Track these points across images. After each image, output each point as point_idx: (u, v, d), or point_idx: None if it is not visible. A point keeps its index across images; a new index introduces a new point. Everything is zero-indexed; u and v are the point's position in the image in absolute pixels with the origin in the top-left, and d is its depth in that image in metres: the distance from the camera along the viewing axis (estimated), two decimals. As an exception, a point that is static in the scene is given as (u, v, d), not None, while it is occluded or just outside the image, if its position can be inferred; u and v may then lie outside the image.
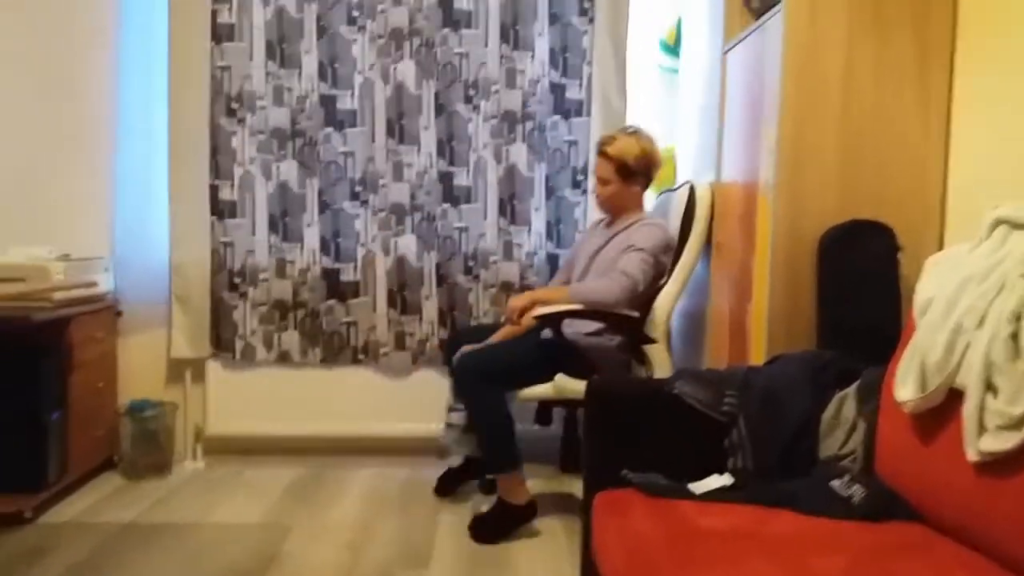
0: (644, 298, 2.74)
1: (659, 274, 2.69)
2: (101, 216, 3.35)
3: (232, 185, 3.38)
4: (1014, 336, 1.27)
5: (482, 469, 2.94)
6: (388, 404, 3.43)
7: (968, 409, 1.32)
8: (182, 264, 3.37)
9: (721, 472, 1.74)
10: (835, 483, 1.56)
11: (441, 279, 3.42)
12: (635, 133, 2.77)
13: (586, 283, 2.63)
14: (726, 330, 2.49)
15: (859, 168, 2.06)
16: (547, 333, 2.72)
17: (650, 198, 3.32)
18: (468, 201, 3.41)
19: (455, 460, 2.98)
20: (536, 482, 3.03)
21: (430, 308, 3.42)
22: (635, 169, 2.74)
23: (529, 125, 3.37)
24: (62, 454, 2.82)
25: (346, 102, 3.38)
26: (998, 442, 1.25)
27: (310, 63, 3.37)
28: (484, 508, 2.72)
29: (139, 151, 3.42)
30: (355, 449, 3.50)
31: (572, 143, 3.39)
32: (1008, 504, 1.25)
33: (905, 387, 1.49)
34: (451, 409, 2.85)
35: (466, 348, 2.76)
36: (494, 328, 2.95)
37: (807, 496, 1.55)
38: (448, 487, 3.04)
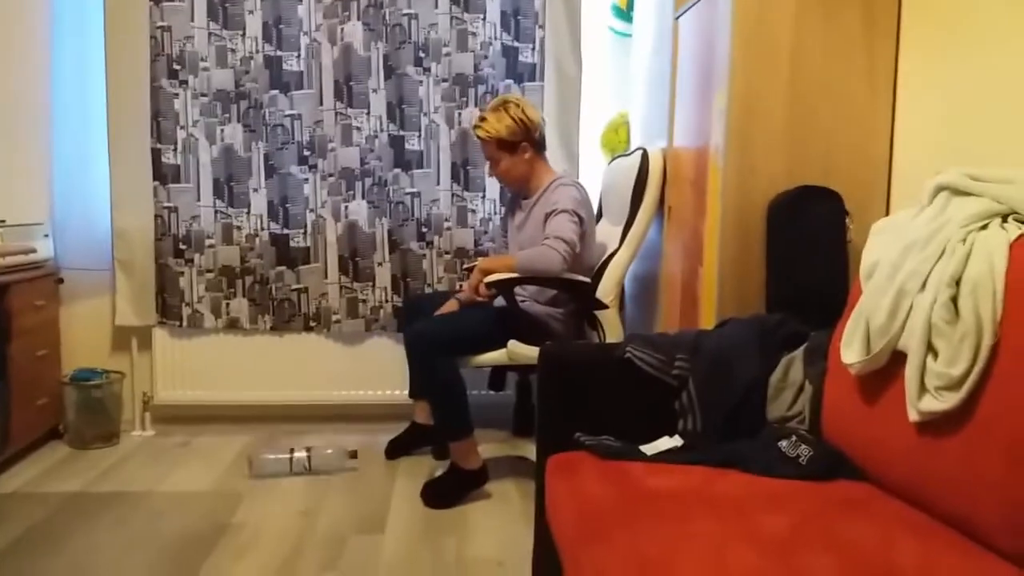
0: (589, 263, 2.75)
1: (583, 232, 2.70)
2: (39, 181, 3.21)
3: (175, 149, 3.28)
4: (953, 300, 1.29)
5: (435, 436, 2.95)
6: (341, 371, 3.40)
7: (909, 370, 1.34)
8: (125, 230, 3.29)
9: (672, 434, 1.76)
10: (783, 444, 1.58)
11: (394, 245, 3.38)
12: (502, 105, 2.77)
13: (528, 252, 2.64)
14: (678, 294, 2.52)
15: (807, 135, 2.07)
16: (499, 301, 2.72)
17: (602, 164, 3.33)
18: (420, 166, 3.36)
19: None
20: (490, 446, 3.04)
21: (383, 275, 3.38)
22: (513, 140, 2.74)
23: (481, 89, 3.32)
24: (3, 424, 2.74)
25: (292, 64, 3.29)
26: (938, 402, 1.28)
27: (254, 24, 3.26)
28: (438, 473, 2.73)
29: (77, 113, 3.30)
30: (307, 416, 3.47)
31: (525, 107, 3.35)
32: (947, 463, 1.28)
33: (851, 350, 1.51)
34: None
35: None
36: (448, 296, 2.95)
37: (755, 457, 1.57)
38: (398, 450, 3.05)
